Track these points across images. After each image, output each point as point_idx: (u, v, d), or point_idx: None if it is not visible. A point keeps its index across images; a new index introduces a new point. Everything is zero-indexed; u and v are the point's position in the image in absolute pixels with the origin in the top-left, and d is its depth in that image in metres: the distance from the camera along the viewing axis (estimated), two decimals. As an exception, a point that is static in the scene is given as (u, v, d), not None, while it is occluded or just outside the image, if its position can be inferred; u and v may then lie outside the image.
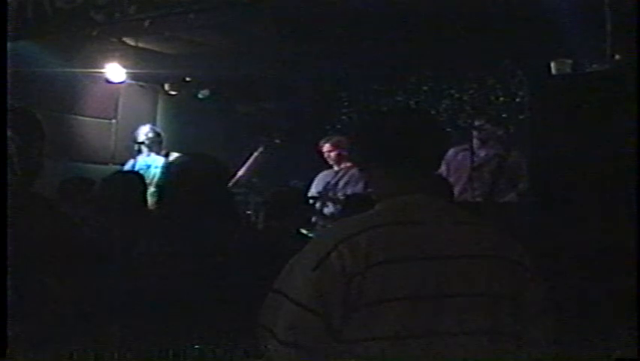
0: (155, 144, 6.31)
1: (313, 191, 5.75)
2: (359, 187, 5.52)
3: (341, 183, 5.80)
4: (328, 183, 5.82)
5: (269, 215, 3.79)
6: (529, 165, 3.81)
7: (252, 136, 7.00)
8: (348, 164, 5.87)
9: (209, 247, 2.35)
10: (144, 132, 6.37)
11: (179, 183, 2.55)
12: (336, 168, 5.96)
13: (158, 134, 6.39)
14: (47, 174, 2.09)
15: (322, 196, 5.58)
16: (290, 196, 3.94)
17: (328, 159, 5.99)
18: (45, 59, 5.86)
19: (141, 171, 5.19)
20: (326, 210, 5.47)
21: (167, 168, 2.68)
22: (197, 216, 2.45)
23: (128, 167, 6.17)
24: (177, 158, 3.09)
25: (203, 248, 2.35)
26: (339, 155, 5.93)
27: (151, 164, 6.05)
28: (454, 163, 5.36)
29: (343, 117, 7.88)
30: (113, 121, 7.28)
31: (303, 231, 3.72)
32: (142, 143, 6.29)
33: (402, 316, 1.61)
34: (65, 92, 6.67)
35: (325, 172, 6.01)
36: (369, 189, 1.94)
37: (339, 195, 5.68)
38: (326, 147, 5.98)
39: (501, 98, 6.90)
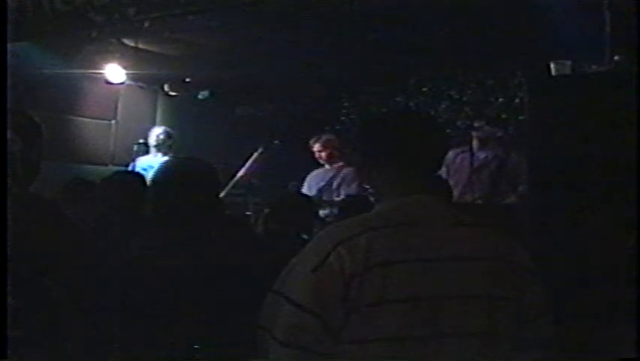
0: (164, 146, 6.35)
1: (306, 190, 5.75)
2: (353, 188, 5.55)
3: (334, 184, 5.81)
4: (322, 185, 5.83)
5: (272, 219, 3.79)
6: (529, 167, 3.81)
7: (252, 137, 7.00)
8: (340, 163, 5.89)
9: (196, 249, 2.36)
10: (156, 134, 6.43)
11: (164, 185, 2.56)
12: (327, 167, 5.96)
13: (169, 136, 6.42)
14: (47, 175, 2.10)
15: (317, 199, 5.57)
16: (295, 202, 3.94)
17: (319, 159, 6.00)
18: (45, 61, 5.87)
19: (144, 172, 5.19)
20: (321, 213, 5.48)
21: (156, 171, 2.68)
22: (182, 219, 2.45)
23: (130, 168, 6.19)
24: (165, 161, 3.09)
25: (189, 250, 2.36)
26: (330, 154, 5.94)
27: (154, 165, 6.06)
28: (453, 165, 5.37)
29: (343, 118, 7.89)
30: (113, 122, 7.29)
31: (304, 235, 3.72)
32: (143, 144, 6.31)
33: (401, 317, 1.61)
34: (65, 94, 6.68)
35: (317, 171, 6.02)
36: (369, 190, 1.95)
37: (334, 196, 5.69)
38: (316, 147, 5.98)
39: (500, 100, 6.91)
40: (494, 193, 5.25)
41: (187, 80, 7.37)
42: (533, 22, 4.81)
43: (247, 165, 6.24)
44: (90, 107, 7.04)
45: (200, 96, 7.52)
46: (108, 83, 6.82)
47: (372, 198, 3.75)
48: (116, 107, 7.29)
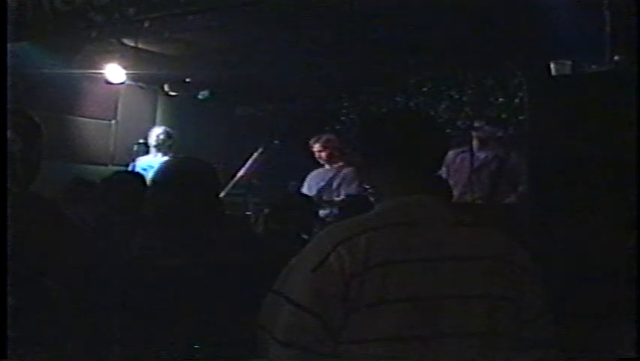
0: (164, 146, 6.36)
1: (306, 190, 5.76)
2: (353, 188, 5.55)
3: (334, 184, 5.82)
4: (322, 185, 5.83)
5: (272, 219, 3.79)
6: (529, 167, 3.81)
7: (252, 137, 7.00)
8: (340, 163, 5.89)
9: (196, 249, 2.36)
10: (156, 133, 6.44)
11: (164, 185, 2.55)
12: (327, 167, 5.96)
13: (169, 136, 6.43)
14: (47, 175, 2.10)
15: (317, 199, 5.58)
16: (295, 202, 3.94)
17: (319, 159, 6.00)
18: (45, 61, 5.86)
19: (144, 172, 5.20)
20: (321, 213, 5.48)
21: (155, 171, 2.68)
22: (182, 219, 2.45)
23: (130, 168, 6.19)
24: (165, 161, 3.10)
25: (189, 250, 2.35)
26: (330, 154, 5.94)
27: (154, 165, 6.07)
28: (453, 165, 5.37)
29: (343, 118, 7.89)
30: (113, 122, 7.29)
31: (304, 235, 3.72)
32: (143, 144, 6.32)
33: (401, 317, 1.61)
34: (65, 93, 6.68)
35: (317, 171, 6.02)
36: (369, 190, 1.95)
37: (334, 196, 5.69)
38: (316, 147, 5.98)
39: (500, 100, 6.91)
40: (494, 193, 5.24)
41: (187, 80, 7.37)
42: (533, 22, 4.81)
43: (247, 165, 6.24)
44: (90, 107, 7.04)
45: (200, 96, 7.52)
46: (108, 83, 6.82)
47: (372, 198, 3.75)
48: (116, 107, 7.29)
